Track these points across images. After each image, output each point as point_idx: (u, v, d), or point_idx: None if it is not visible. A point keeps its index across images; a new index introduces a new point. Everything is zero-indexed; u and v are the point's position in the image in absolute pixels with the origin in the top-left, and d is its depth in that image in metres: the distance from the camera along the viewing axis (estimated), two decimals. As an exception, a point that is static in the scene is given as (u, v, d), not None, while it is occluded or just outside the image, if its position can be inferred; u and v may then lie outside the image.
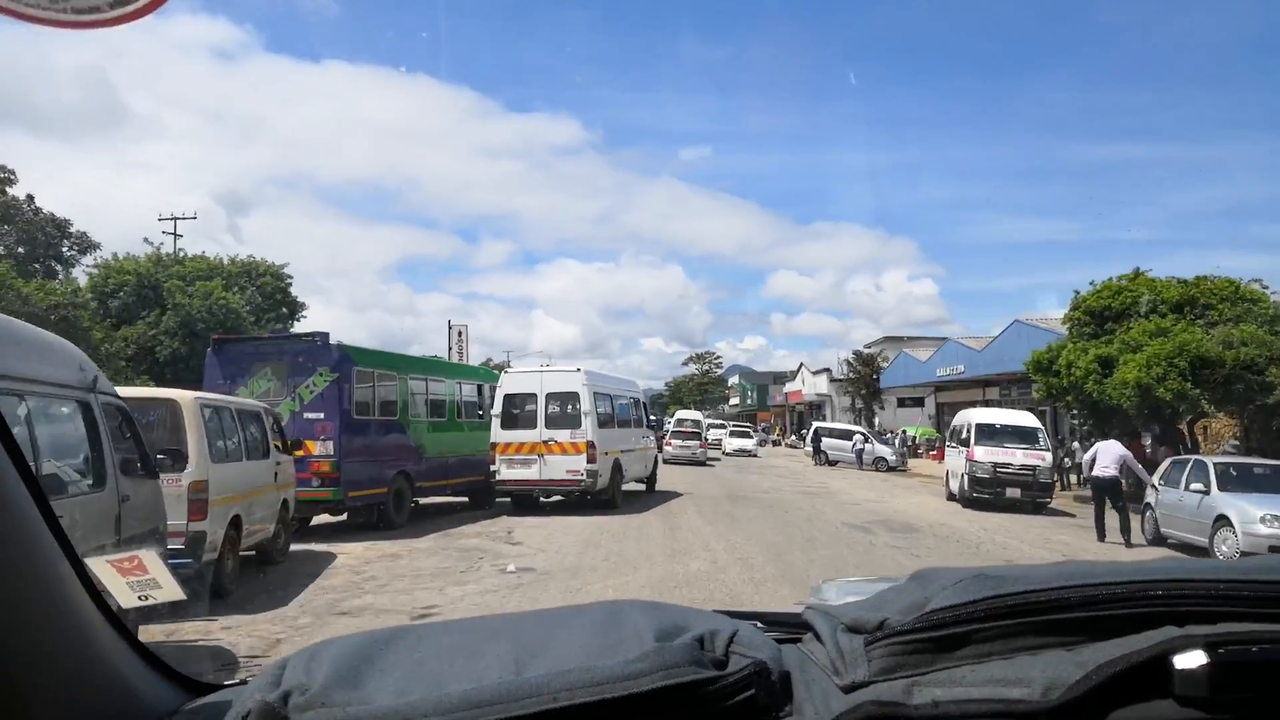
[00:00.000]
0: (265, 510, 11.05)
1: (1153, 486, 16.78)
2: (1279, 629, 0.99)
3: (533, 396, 20.07)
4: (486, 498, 20.21)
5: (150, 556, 1.57)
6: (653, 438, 26.44)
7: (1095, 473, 17.09)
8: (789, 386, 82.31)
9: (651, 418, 27.70)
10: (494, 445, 19.77)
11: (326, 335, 15.77)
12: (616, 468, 21.18)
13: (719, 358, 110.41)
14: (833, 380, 70.20)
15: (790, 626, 1.33)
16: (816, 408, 73.73)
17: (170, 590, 1.55)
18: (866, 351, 66.63)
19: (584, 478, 19.65)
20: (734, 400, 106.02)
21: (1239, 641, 0.97)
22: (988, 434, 22.91)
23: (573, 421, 19.96)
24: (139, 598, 1.51)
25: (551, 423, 19.94)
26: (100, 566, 1.41)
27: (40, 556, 1.06)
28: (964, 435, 23.54)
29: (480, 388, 21.74)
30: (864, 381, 64.36)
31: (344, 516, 15.91)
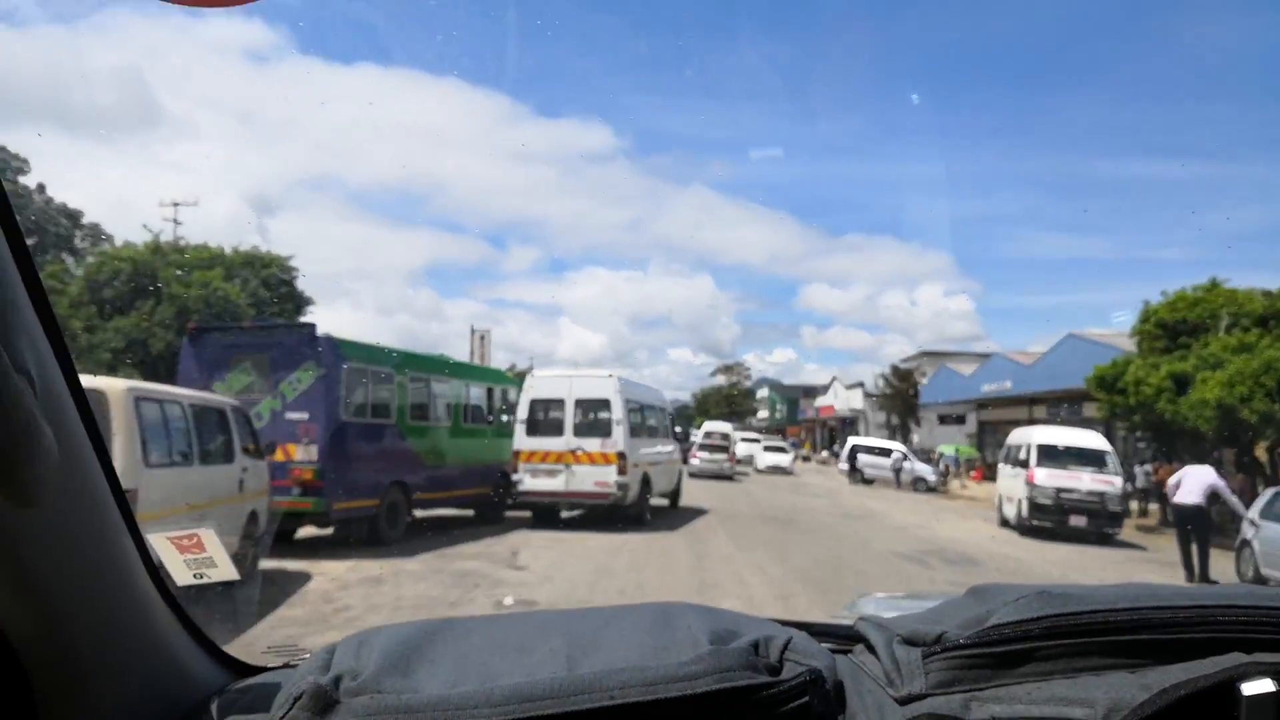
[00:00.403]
0: (226, 523, 9.60)
1: (1250, 522, 15.04)
2: None
3: (560, 403, 18.57)
4: (495, 511, 18.52)
5: (209, 535, 1.57)
6: (678, 451, 24.73)
7: (1178, 499, 15.34)
8: (820, 401, 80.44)
9: (677, 429, 26.30)
10: (517, 453, 18.30)
11: (314, 326, 14.09)
12: (645, 481, 19.55)
13: (748, 369, 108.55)
14: (867, 395, 68.39)
15: (840, 638, 1.29)
16: (849, 423, 71.85)
17: (225, 570, 1.55)
18: (903, 367, 64.88)
19: (613, 490, 18.13)
20: (762, 413, 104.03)
21: None
22: (1050, 455, 20.74)
23: (603, 430, 18.45)
24: (194, 575, 1.53)
25: (580, 431, 18.39)
26: (160, 543, 1.44)
27: (108, 531, 1.07)
28: (1021, 456, 21.48)
29: (491, 391, 19.87)
30: (900, 397, 62.62)
31: (330, 530, 14.13)
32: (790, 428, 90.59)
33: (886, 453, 39.22)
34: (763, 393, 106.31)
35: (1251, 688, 0.95)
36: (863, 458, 39.28)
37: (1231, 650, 1.00)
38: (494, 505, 18.33)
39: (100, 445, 1.05)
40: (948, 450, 49.22)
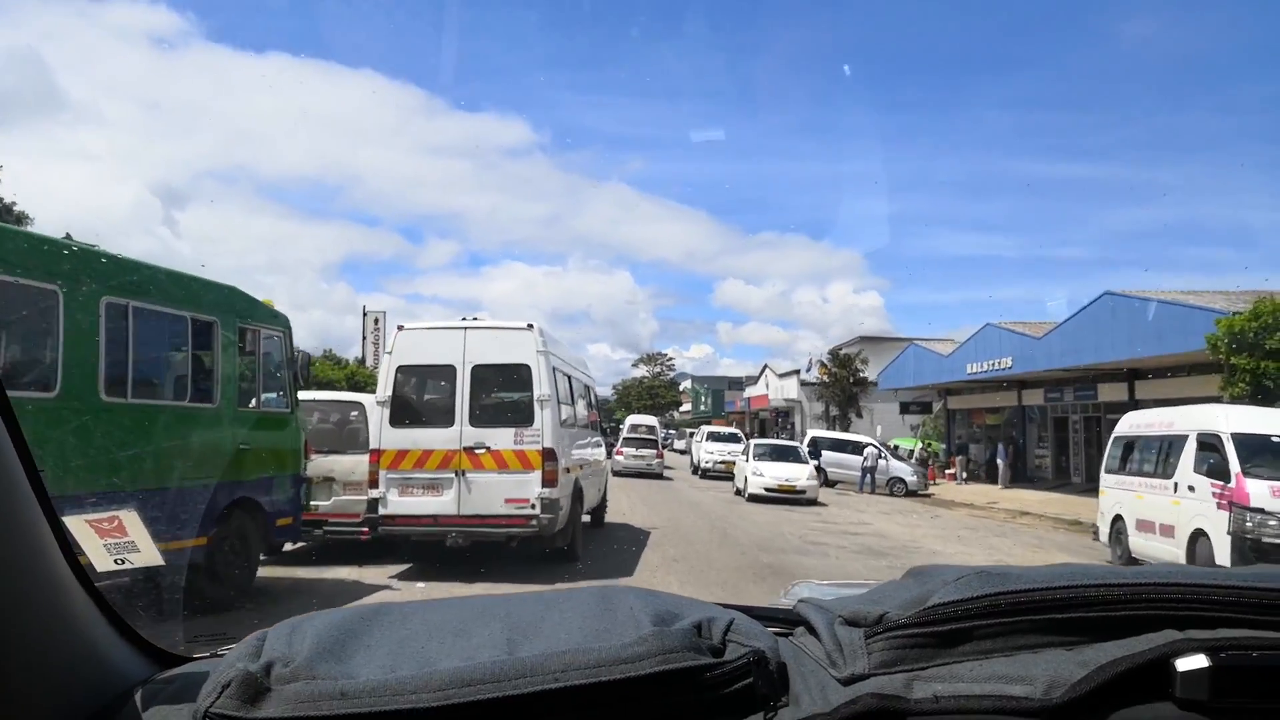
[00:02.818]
0: None
1: None
2: (1278, 636, 1.01)
3: (448, 372, 11.16)
4: (242, 574, 9.09)
5: (131, 518, 1.49)
6: (604, 448, 17.43)
7: None
8: (751, 391, 74.29)
9: (607, 424, 19.41)
10: (376, 455, 11.14)
11: None
12: (578, 496, 12.31)
13: (671, 359, 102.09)
14: (803, 384, 62.49)
15: (781, 621, 1.26)
16: (784, 414, 65.91)
17: (149, 555, 1.48)
18: (844, 352, 59.19)
19: (536, 512, 10.97)
20: (686, 406, 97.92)
21: (1240, 646, 0.99)
22: (1262, 454, 11.70)
23: (520, 415, 11.11)
24: (115, 561, 1.45)
25: (482, 418, 11.08)
26: (78, 525, 1.36)
27: (19, 513, 1.01)
28: (1186, 456, 12.59)
29: (212, 330, 8.65)
30: (841, 385, 56.88)
31: None
32: (715, 420, 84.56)
33: (857, 448, 32.62)
34: (686, 384, 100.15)
35: (1185, 663, 0.97)
36: (827, 455, 32.32)
37: (1165, 628, 1.02)
38: (238, 561, 9.00)
39: (12, 420, 1.01)
40: (905, 444, 43.28)
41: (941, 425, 43.86)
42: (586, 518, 15.27)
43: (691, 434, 69.74)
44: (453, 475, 11.04)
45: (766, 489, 25.55)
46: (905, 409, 42.65)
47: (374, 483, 10.94)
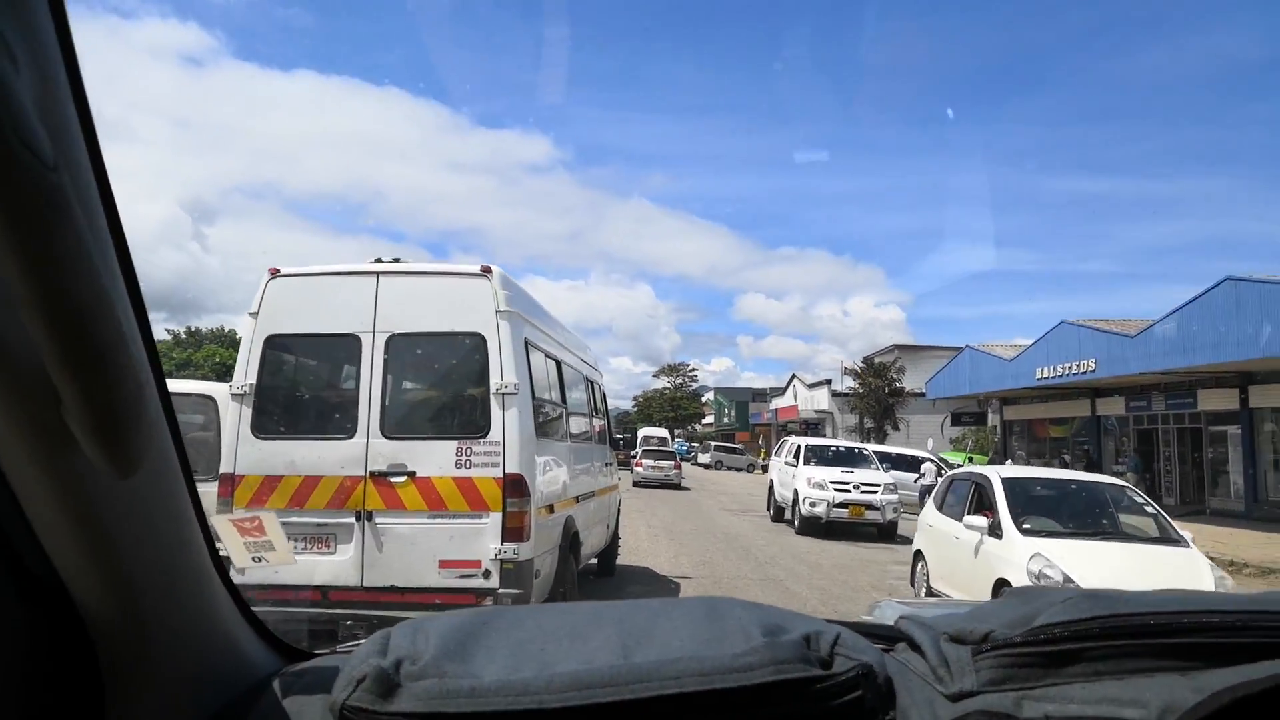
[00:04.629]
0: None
1: None
2: None
3: (349, 345, 6.41)
4: None
5: (270, 518, 1.57)
6: (615, 464, 12.42)
7: None
8: (778, 402, 69.31)
9: (620, 435, 14.50)
10: (228, 482, 6.50)
11: None
12: (570, 544, 7.64)
13: (694, 370, 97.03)
14: (835, 394, 57.55)
15: (880, 637, 1.21)
16: (814, 426, 60.96)
17: (284, 554, 1.56)
18: (878, 360, 54.25)
19: (492, 584, 6.29)
20: (708, 418, 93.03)
21: None
22: None
23: (466, 419, 6.44)
24: (253, 559, 1.53)
25: (402, 422, 6.41)
26: (222, 525, 1.41)
27: (179, 508, 1.02)
28: None
29: None
30: (876, 395, 51.93)
31: None
32: (740, 433, 79.64)
33: (912, 463, 27.79)
34: (708, 396, 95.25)
35: None
36: (876, 471, 27.54)
37: (1277, 656, 0.97)
38: None
39: (175, 425, 1.00)
40: (951, 458, 38.30)
41: (993, 438, 38.79)
42: (592, 561, 10.67)
43: (708, 449, 64.84)
44: (352, 520, 6.41)
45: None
46: (958, 420, 37.62)
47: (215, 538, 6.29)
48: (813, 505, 18.54)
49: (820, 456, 20.36)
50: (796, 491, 19.25)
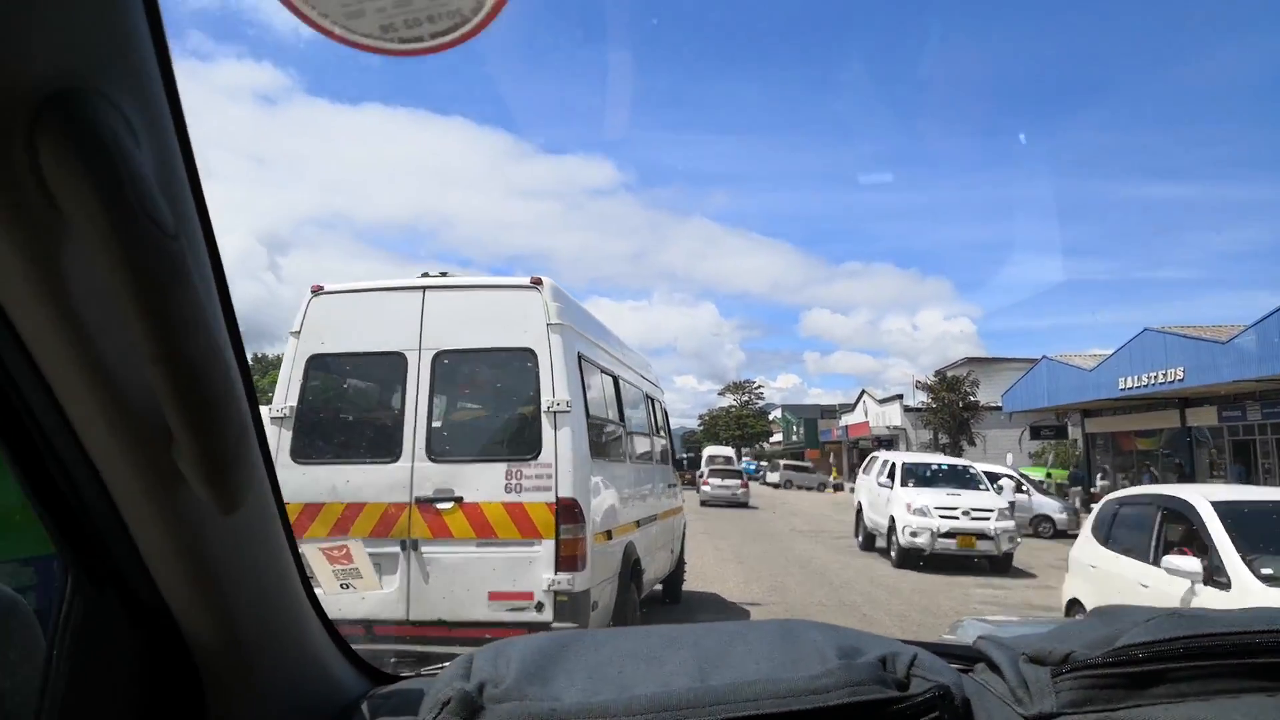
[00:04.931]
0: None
1: None
2: None
3: (394, 365, 6.02)
4: None
5: (357, 547, 1.70)
6: (679, 485, 11.73)
7: None
8: (848, 419, 67.93)
9: (684, 455, 13.66)
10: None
11: None
12: (631, 571, 7.07)
13: (760, 388, 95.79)
14: (907, 410, 56.14)
15: (960, 657, 1.19)
16: (886, 443, 59.53)
17: (370, 580, 1.70)
18: (951, 374, 52.79)
19: (546, 617, 5.66)
20: (776, 436, 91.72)
21: None
22: None
23: (517, 440, 6.02)
24: (341, 585, 1.62)
25: (450, 445, 5.97)
26: (312, 553, 1.53)
27: (275, 539, 1.06)
28: None
29: None
30: (950, 410, 50.46)
31: None
32: (809, 451, 78.29)
33: (991, 480, 26.64)
34: (775, 414, 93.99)
35: None
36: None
37: None
38: None
39: (269, 459, 1.04)
40: (1031, 474, 36.80)
41: (1074, 452, 37.27)
42: (657, 587, 10.17)
43: (776, 467, 63.54)
44: (397, 549, 6.01)
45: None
46: (1036, 433, 36.20)
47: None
48: (914, 535, 15.95)
49: (920, 476, 17.81)
50: (893, 518, 16.72)
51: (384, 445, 6.18)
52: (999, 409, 39.12)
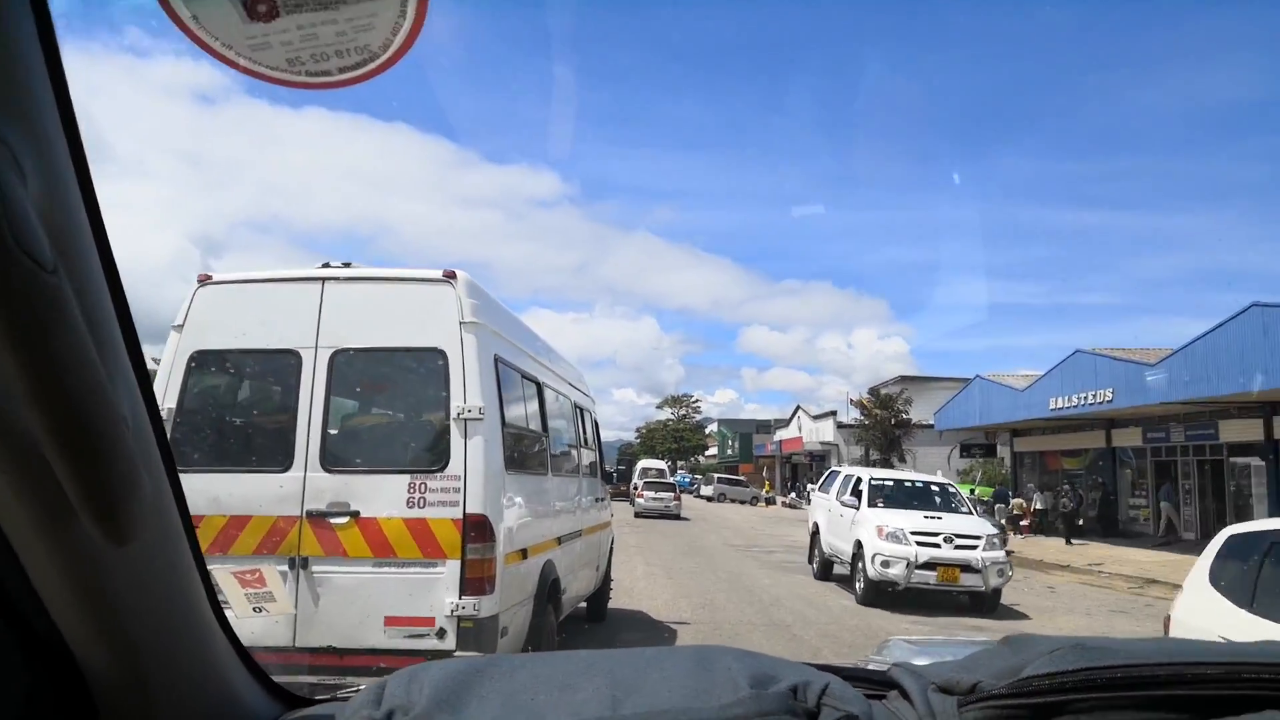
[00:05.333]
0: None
1: None
2: None
3: (285, 364, 5.36)
4: None
5: (270, 571, 1.63)
6: (609, 499, 11.12)
7: None
8: (782, 434, 68.14)
9: (616, 468, 12.85)
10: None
11: None
12: (548, 593, 6.45)
13: (697, 402, 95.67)
14: (840, 426, 56.41)
15: (874, 683, 1.18)
16: (819, 458, 59.76)
17: (283, 605, 1.63)
18: (885, 392, 53.19)
19: (448, 645, 5.06)
20: (712, 450, 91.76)
21: None
22: None
23: (421, 450, 5.33)
24: (254, 609, 1.58)
25: (345, 452, 5.30)
26: (224, 577, 1.46)
27: (181, 565, 1.04)
28: None
29: None
30: (882, 426, 50.79)
31: None
32: (743, 465, 78.37)
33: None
34: (712, 428, 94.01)
35: None
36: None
37: (1265, 709, 0.97)
38: None
39: (176, 481, 1.01)
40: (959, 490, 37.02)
41: (1002, 470, 37.63)
42: (582, 605, 9.65)
43: (711, 481, 63.24)
44: (284, 567, 5.38)
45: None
46: (967, 451, 36.45)
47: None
48: (885, 564, 13.28)
49: (890, 495, 15.13)
50: (860, 543, 13.98)
51: (273, 452, 5.54)
52: (931, 427, 39.31)
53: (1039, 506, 30.30)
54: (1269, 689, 0.99)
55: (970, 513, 15.20)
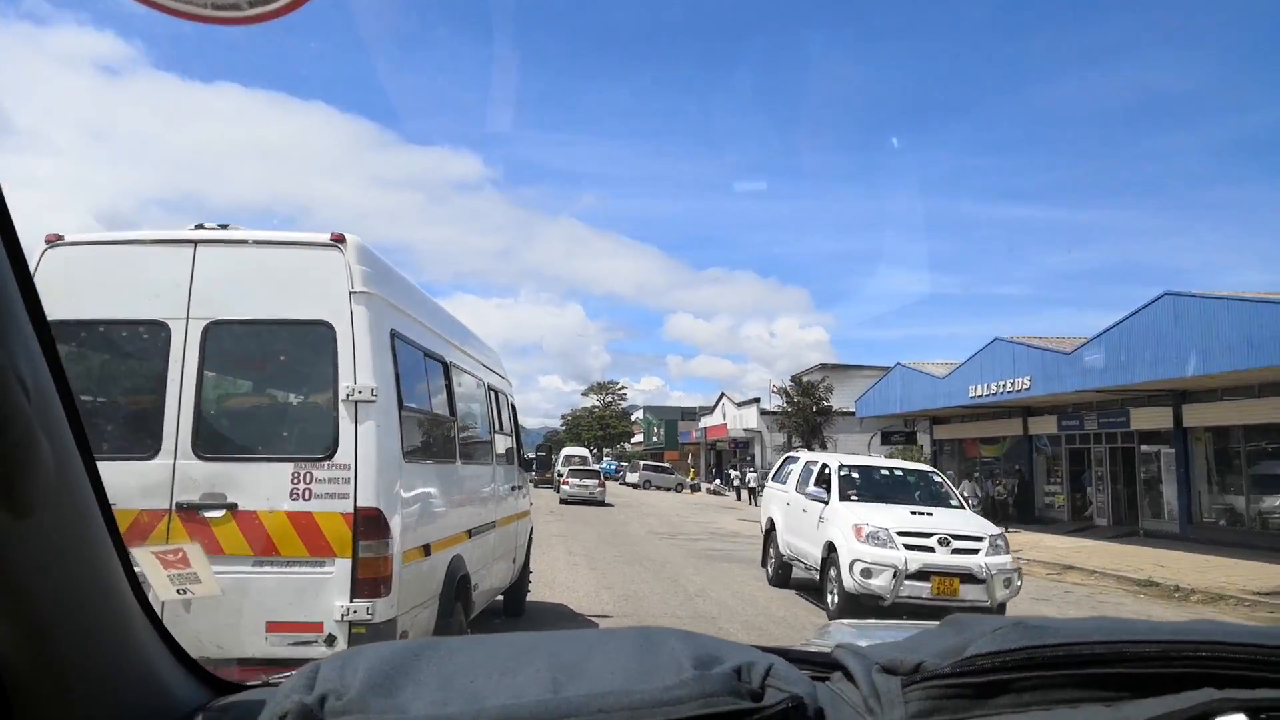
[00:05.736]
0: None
1: None
2: None
3: (153, 337, 4.56)
4: None
5: (195, 551, 1.52)
6: (528, 487, 10.37)
7: None
8: (707, 421, 68.21)
9: (535, 454, 12.31)
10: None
11: None
12: (455, 590, 5.79)
13: (623, 389, 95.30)
14: (764, 413, 56.63)
15: (818, 664, 1.19)
16: (743, 445, 59.98)
17: (209, 585, 1.52)
18: (806, 379, 53.51)
19: (334, 651, 4.93)
20: (638, 437, 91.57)
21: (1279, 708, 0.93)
22: None
23: (307, 435, 4.62)
24: (178, 591, 1.49)
25: (221, 437, 4.56)
26: (145, 557, 1.38)
27: (94, 544, 1.01)
28: None
29: None
30: (804, 414, 51.12)
31: None
32: (668, 452, 78.32)
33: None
34: (637, 415, 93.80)
35: None
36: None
37: (1203, 685, 0.97)
38: None
39: (89, 456, 0.98)
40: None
41: (921, 458, 38.07)
42: (499, 598, 9.12)
43: (636, 468, 63.13)
44: (169, 557, 4.69)
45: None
46: (887, 439, 36.72)
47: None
48: (867, 574, 10.64)
49: (865, 487, 12.40)
50: (832, 545, 11.35)
51: (138, 437, 4.86)
52: (852, 414, 39.59)
53: (964, 494, 30.69)
54: (1206, 666, 1.00)
55: (963, 506, 12.58)
